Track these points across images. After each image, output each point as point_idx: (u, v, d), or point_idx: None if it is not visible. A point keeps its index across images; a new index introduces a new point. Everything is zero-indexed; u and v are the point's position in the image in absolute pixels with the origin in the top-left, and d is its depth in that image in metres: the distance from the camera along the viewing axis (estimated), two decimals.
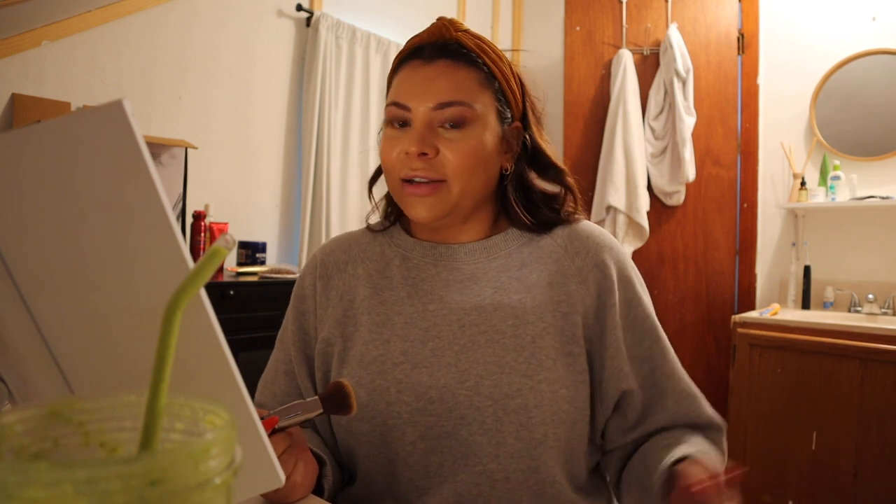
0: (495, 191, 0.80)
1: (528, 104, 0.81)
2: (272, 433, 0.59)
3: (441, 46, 0.75)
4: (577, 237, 0.79)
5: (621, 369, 0.73)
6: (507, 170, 0.79)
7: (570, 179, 0.82)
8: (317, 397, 0.62)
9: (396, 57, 0.79)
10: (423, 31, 0.78)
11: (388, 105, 0.75)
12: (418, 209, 0.73)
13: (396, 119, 0.74)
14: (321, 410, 0.61)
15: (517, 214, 0.79)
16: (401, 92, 0.74)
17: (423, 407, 0.70)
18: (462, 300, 0.75)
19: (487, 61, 0.76)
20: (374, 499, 0.74)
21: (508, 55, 0.81)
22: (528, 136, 0.80)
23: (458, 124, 0.72)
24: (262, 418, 0.51)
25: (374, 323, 0.76)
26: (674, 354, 0.78)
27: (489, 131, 0.75)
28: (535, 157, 0.81)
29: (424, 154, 0.71)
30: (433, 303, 0.76)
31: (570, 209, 0.82)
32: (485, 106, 0.74)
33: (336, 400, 0.62)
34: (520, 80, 0.80)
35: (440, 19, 0.78)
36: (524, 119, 0.80)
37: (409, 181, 0.73)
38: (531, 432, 0.69)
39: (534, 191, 0.81)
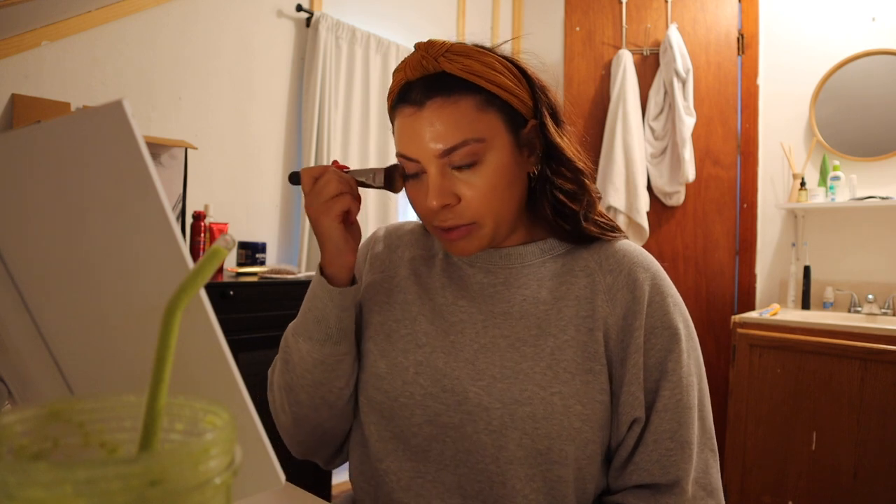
0: (526, 194, 0.78)
1: (537, 95, 0.75)
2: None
3: (428, 84, 0.70)
4: (613, 254, 0.76)
5: (636, 397, 0.71)
6: (534, 173, 0.76)
7: (587, 180, 0.76)
8: (383, 169, 0.75)
9: (389, 95, 0.76)
10: (405, 65, 0.73)
11: (397, 155, 0.74)
12: (457, 249, 0.74)
13: (410, 170, 0.73)
14: (381, 184, 0.75)
15: (549, 220, 0.76)
16: (404, 144, 0.72)
17: (435, 393, 0.72)
18: (492, 304, 0.76)
19: (478, 80, 0.70)
20: (373, 468, 0.76)
21: (507, 46, 0.76)
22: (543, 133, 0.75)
23: (471, 163, 0.70)
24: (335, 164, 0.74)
25: (406, 301, 0.79)
26: (691, 397, 0.72)
27: (504, 151, 0.71)
28: (550, 154, 0.76)
29: (448, 205, 0.71)
30: (463, 299, 0.77)
31: (611, 226, 0.78)
32: (492, 128, 0.70)
33: (390, 177, 0.75)
34: (522, 72, 0.74)
35: (417, 48, 0.73)
36: (537, 112, 0.75)
37: (444, 229, 0.73)
38: (535, 442, 0.68)
39: (560, 190, 0.76)
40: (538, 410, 0.68)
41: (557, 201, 0.76)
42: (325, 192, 0.71)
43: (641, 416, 0.71)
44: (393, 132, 0.76)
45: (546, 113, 0.75)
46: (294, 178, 0.76)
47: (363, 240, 0.90)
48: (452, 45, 0.72)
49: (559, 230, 0.77)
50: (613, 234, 0.79)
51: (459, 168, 0.70)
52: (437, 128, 0.69)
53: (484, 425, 0.69)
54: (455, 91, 0.70)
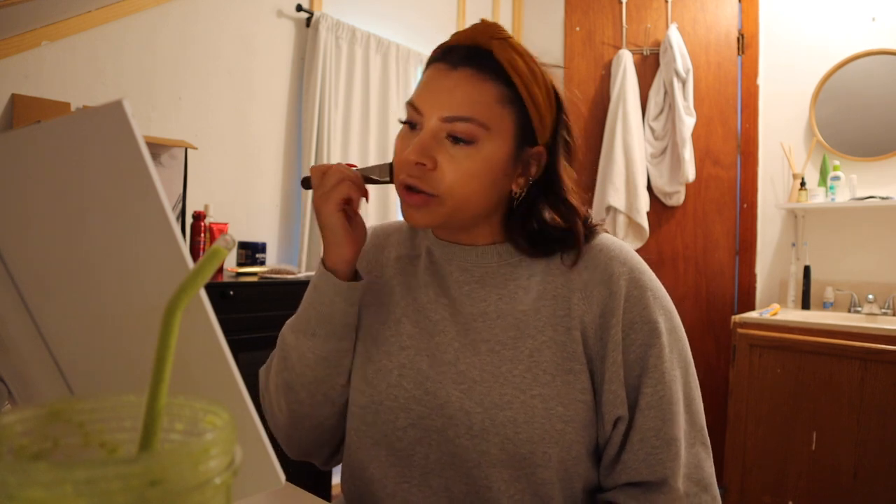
0: (505, 206, 0.77)
1: (560, 128, 0.75)
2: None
3: (471, 53, 0.71)
4: (589, 250, 0.75)
5: (618, 395, 0.69)
6: (516, 193, 0.75)
7: (579, 222, 0.75)
8: (388, 164, 0.74)
9: (434, 51, 0.76)
10: (462, 31, 0.74)
11: (407, 102, 0.74)
12: (409, 216, 0.73)
13: (410, 120, 0.73)
14: (387, 177, 0.75)
15: (520, 239, 0.76)
16: (420, 94, 0.72)
17: (419, 396, 0.72)
18: (470, 304, 0.75)
19: (516, 78, 0.70)
20: (358, 477, 0.75)
21: (557, 73, 0.76)
22: (549, 163, 0.74)
23: (464, 141, 0.69)
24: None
25: (392, 303, 0.79)
26: (675, 392, 0.70)
27: (500, 152, 0.71)
28: (549, 187, 0.75)
29: (422, 164, 0.70)
30: (444, 297, 0.77)
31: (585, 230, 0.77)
32: (501, 125, 0.70)
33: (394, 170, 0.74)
34: (556, 100, 0.74)
35: (482, 21, 0.73)
36: (553, 144, 0.75)
37: (408, 188, 0.72)
38: (517, 447, 0.67)
39: (544, 223, 0.75)
40: (519, 414, 0.67)
41: (543, 229, 0.75)
42: (327, 183, 0.72)
43: (625, 415, 0.69)
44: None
45: (562, 148, 0.75)
46: (306, 182, 0.76)
47: None
48: (512, 38, 0.72)
49: (524, 248, 0.76)
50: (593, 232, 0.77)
51: (455, 141, 0.69)
52: (454, 93, 0.69)
53: (465, 430, 0.68)
54: (489, 72, 0.70)
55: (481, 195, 0.72)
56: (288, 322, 0.79)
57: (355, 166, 0.75)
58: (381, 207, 2.67)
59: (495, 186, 0.72)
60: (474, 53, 0.71)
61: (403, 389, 0.72)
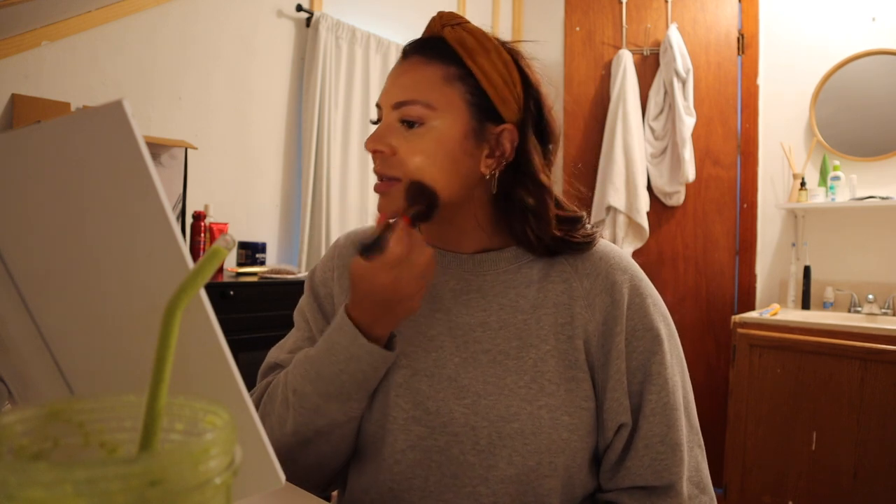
0: (488, 198, 0.75)
1: (528, 106, 0.73)
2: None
3: (422, 43, 0.74)
4: (589, 257, 0.74)
5: (621, 402, 0.69)
6: (486, 175, 0.73)
7: (550, 200, 0.73)
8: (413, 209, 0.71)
9: None
10: None
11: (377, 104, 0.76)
12: (379, 205, 0.73)
13: (379, 118, 0.74)
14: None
15: (515, 231, 0.74)
16: (381, 93, 0.75)
17: (418, 416, 0.69)
18: (469, 314, 0.73)
19: (462, 53, 0.71)
20: (356, 502, 0.74)
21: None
22: (519, 142, 0.72)
23: (413, 124, 0.70)
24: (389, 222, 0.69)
25: None
26: (678, 398, 0.71)
27: (452, 129, 0.70)
28: (518, 167, 0.73)
29: (380, 152, 0.71)
30: (440, 312, 0.74)
31: (586, 233, 0.75)
32: (448, 102, 0.70)
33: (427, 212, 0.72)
34: (524, 78, 0.73)
35: (437, 13, 0.75)
36: (523, 122, 0.73)
37: (379, 178, 0.73)
38: (525, 459, 0.66)
39: (524, 206, 0.72)
40: (526, 426, 0.67)
41: (526, 215, 0.73)
42: (420, 265, 0.67)
43: (628, 422, 0.70)
44: None
45: (530, 125, 0.73)
46: (370, 250, 0.67)
47: (323, 258, 0.86)
48: (467, 22, 0.73)
49: (526, 242, 0.74)
50: (593, 239, 0.75)
51: (409, 126, 0.70)
52: (400, 81, 0.72)
53: (471, 446, 0.67)
54: (435, 55, 0.72)
55: (442, 174, 0.70)
56: (304, 379, 0.70)
57: (409, 220, 0.70)
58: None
59: (456, 166, 0.71)
60: (425, 42, 0.74)
61: (401, 410, 0.70)
